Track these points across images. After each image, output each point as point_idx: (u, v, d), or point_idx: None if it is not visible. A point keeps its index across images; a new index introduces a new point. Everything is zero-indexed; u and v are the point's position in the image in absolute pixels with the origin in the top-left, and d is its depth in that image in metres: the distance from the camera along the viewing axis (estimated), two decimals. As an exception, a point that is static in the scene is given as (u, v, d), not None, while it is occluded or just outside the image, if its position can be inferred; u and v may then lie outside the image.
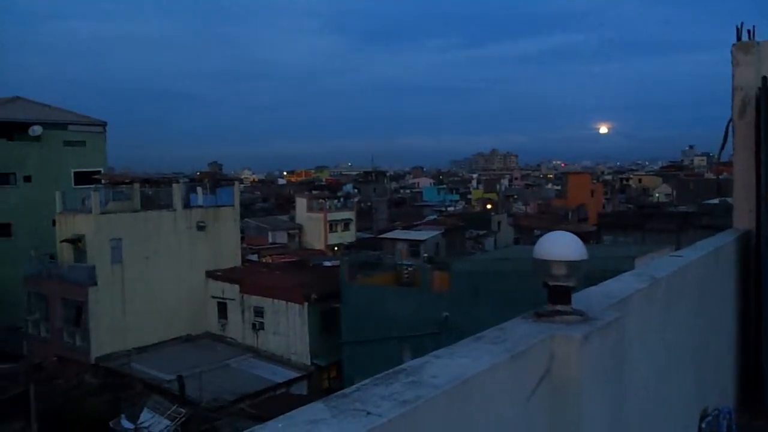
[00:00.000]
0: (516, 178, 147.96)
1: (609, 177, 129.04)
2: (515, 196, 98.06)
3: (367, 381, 2.03)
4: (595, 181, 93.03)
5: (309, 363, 28.00)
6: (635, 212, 60.37)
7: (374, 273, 30.45)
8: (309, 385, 27.21)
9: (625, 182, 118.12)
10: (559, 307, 2.74)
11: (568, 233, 2.85)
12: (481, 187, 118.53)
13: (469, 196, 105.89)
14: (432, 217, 68.73)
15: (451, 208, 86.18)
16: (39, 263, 32.04)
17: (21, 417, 15.53)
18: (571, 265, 2.73)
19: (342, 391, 1.98)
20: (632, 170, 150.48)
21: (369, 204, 79.01)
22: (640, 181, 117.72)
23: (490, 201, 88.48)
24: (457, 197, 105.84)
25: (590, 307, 2.86)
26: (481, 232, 55.56)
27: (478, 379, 2.06)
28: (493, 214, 66.40)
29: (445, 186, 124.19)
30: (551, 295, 2.77)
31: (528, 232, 60.23)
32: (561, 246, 2.77)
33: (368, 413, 1.76)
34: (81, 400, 20.87)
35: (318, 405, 1.88)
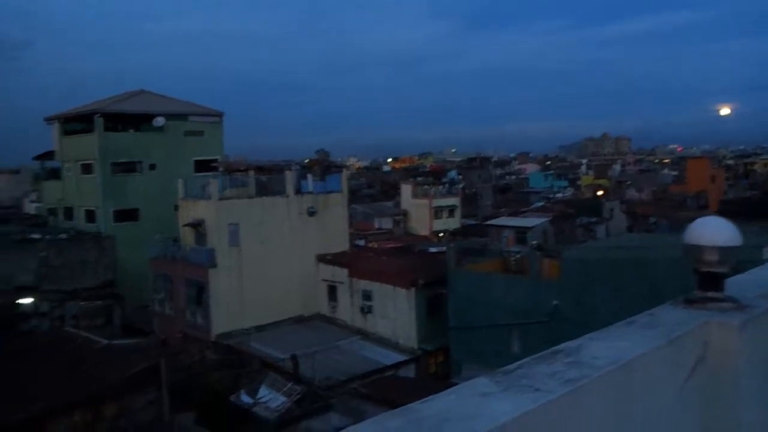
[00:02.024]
0: (629, 163, 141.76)
1: (731, 161, 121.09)
2: (628, 182, 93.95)
3: (527, 359, 2.11)
4: (716, 166, 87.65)
5: (416, 347, 28.33)
6: (761, 198, 56.35)
7: (481, 260, 30.29)
8: (416, 369, 27.56)
9: (749, 167, 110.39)
10: (710, 294, 2.69)
11: (721, 218, 2.78)
12: (591, 172, 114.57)
13: (578, 182, 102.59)
14: (539, 204, 67.25)
15: (559, 195, 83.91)
16: (163, 246, 34.18)
17: (152, 388, 16.78)
18: (724, 251, 2.67)
19: (505, 368, 2.06)
20: (757, 154, 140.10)
21: (474, 190, 78.39)
22: (766, 165, 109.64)
23: (601, 187, 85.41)
24: (565, 183, 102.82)
25: (742, 294, 2.78)
26: (591, 220, 53.77)
27: (638, 362, 2.09)
28: (604, 200, 64.02)
29: (552, 172, 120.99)
30: (702, 281, 2.72)
31: (642, 220, 57.68)
32: (713, 231, 2.71)
33: (537, 389, 1.84)
34: (204, 375, 22.26)
35: (483, 380, 1.97)
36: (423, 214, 61.80)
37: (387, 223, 60.76)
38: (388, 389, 20.07)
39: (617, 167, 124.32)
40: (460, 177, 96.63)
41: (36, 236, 34.84)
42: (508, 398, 1.80)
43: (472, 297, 26.14)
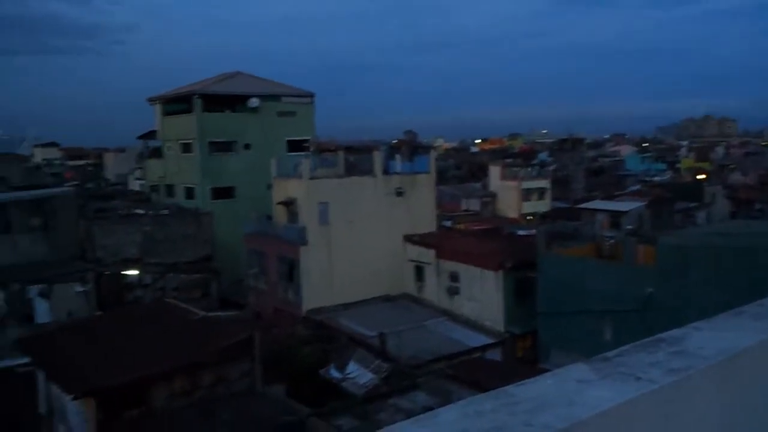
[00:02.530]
0: (734, 146, 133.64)
1: None
2: (732, 166, 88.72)
3: (626, 347, 2.07)
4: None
5: (503, 330, 28.09)
6: None
7: (571, 244, 29.52)
8: (503, 352, 27.36)
9: None
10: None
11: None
12: (692, 155, 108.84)
13: (677, 165, 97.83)
14: (635, 188, 64.62)
15: (656, 178, 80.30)
16: (257, 223, 35.36)
17: (247, 359, 17.51)
18: None
19: (603, 355, 2.03)
20: None
21: (565, 173, 76.31)
22: None
23: (702, 171, 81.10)
24: (663, 166, 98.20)
25: None
26: (691, 205, 51.21)
27: (748, 353, 2.01)
28: (706, 185, 60.79)
29: (650, 154, 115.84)
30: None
31: (747, 206, 54.46)
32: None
33: (638, 378, 1.80)
34: (295, 348, 23.00)
35: (581, 366, 1.95)
36: (512, 196, 60.83)
37: (474, 205, 60.24)
38: (475, 371, 20.06)
39: (720, 150, 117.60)
40: (551, 159, 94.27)
41: (140, 212, 36.86)
42: (607, 386, 1.78)
43: (563, 281, 25.60)
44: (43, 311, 28.73)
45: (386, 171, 34.77)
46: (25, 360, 20.88)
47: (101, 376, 16.05)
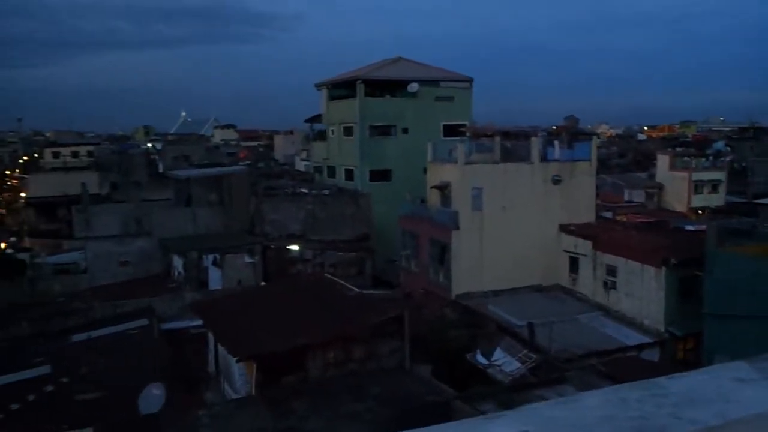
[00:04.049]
0: None
1: None
2: None
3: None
4: None
5: (662, 330, 26.48)
6: None
7: (748, 242, 27.06)
8: (661, 353, 25.83)
9: None
10: None
11: None
12: None
13: None
14: (828, 183, 57.71)
15: None
16: (412, 205, 35.99)
17: (397, 337, 18.04)
18: None
19: (765, 355, 1.94)
20: None
21: (744, 164, 69.86)
22: None
23: None
24: None
25: None
26: None
27: None
28: None
29: None
30: None
31: None
32: None
33: None
34: (442, 331, 23.30)
35: (741, 364, 1.88)
36: (681, 188, 56.74)
37: (638, 196, 56.98)
38: (629, 370, 19.15)
39: None
40: (728, 149, 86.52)
41: (304, 191, 39.01)
42: (769, 388, 1.70)
43: (735, 282, 23.55)
44: (215, 279, 31.45)
45: (544, 158, 33.83)
46: (198, 322, 23.06)
47: (263, 342, 17.33)
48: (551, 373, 18.72)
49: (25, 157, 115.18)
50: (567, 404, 1.59)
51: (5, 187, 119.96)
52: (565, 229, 32.46)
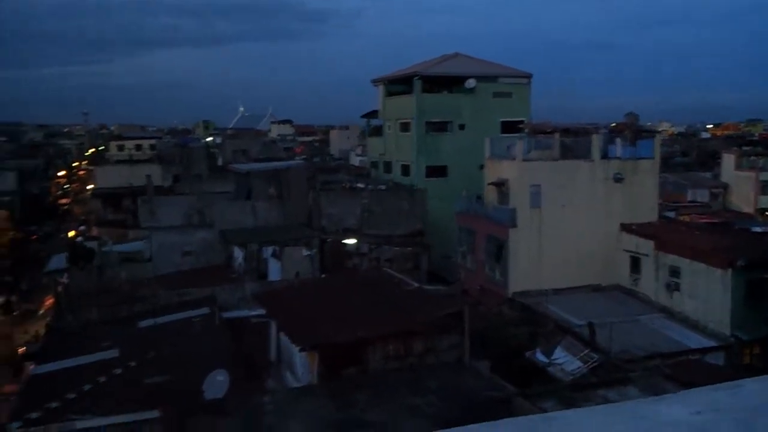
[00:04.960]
0: None
1: None
2: None
3: None
4: None
5: (728, 334, 25.71)
6: None
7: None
8: (726, 357, 25.10)
9: None
10: None
11: None
12: None
13: None
14: None
15: None
16: (468, 202, 35.88)
17: (456, 332, 18.09)
18: None
19: None
20: None
21: (816, 164, 66.80)
22: None
23: None
24: None
25: None
26: None
27: None
28: None
29: None
30: None
31: None
32: None
33: None
34: (501, 328, 23.22)
35: None
36: (747, 188, 54.87)
37: (702, 196, 55.33)
38: (693, 373, 18.74)
39: None
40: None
41: (360, 185, 39.36)
42: None
43: (807, 287, 22.72)
44: (275, 270, 32.07)
45: (605, 155, 33.24)
46: (259, 312, 23.59)
47: (325, 333, 17.64)
48: (613, 374, 18.46)
49: (91, 150, 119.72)
50: (731, 389, 1.65)
51: (73, 178, 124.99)
52: (626, 228, 31.83)
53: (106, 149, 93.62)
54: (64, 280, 35.44)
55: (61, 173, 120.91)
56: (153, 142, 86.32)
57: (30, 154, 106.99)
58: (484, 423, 1.62)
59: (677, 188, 55.38)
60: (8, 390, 30.76)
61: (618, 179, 32.71)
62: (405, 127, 45.88)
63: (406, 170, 45.21)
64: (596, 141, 33.21)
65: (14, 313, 54.75)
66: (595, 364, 19.89)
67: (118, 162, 69.63)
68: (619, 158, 33.27)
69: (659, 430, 1.48)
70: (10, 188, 75.58)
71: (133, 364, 21.56)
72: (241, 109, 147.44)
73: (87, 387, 20.00)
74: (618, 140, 34.84)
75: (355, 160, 69.45)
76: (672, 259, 28.71)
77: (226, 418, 15.15)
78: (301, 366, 18.08)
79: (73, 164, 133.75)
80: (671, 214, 40.66)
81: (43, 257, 54.61)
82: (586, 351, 20.61)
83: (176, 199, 38.93)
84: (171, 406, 16.62)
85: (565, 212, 31.67)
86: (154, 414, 17.22)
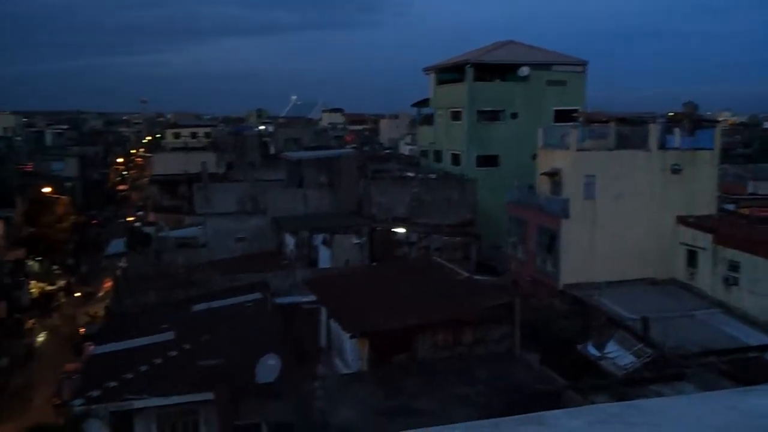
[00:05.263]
0: None
1: None
2: None
3: None
4: None
5: (790, 332, 24.80)
6: None
7: None
8: (788, 356, 24.20)
9: None
10: None
11: None
12: None
13: None
14: None
15: None
16: (520, 192, 35.45)
17: (506, 323, 17.99)
18: None
19: None
20: None
21: None
22: None
23: None
24: None
25: None
26: None
27: None
28: None
29: None
30: None
31: None
32: None
33: None
34: (552, 320, 22.96)
35: None
36: (814, 181, 52.56)
37: (764, 189, 53.25)
38: (752, 371, 18.17)
39: None
40: None
41: (410, 174, 39.35)
42: None
43: None
44: (325, 257, 32.44)
45: (662, 145, 32.33)
46: (310, 298, 23.93)
47: (375, 320, 17.79)
48: (667, 370, 18.07)
49: (148, 138, 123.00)
50: None
51: (131, 165, 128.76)
52: (683, 220, 30.96)
53: (163, 137, 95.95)
54: (123, 264, 36.66)
55: (120, 160, 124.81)
56: (208, 130, 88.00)
57: (91, 141, 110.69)
58: (564, 409, 1.63)
59: (738, 180, 53.51)
60: (70, 368, 32.05)
61: (675, 170, 31.80)
62: (456, 115, 45.56)
63: (456, 159, 44.94)
64: (653, 131, 32.34)
65: (75, 295, 56.99)
66: (648, 359, 19.49)
67: (174, 149, 71.28)
68: (677, 149, 32.33)
69: (748, 421, 1.47)
70: (73, 174, 78.39)
71: (187, 346, 22.19)
72: (294, 97, 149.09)
73: (143, 368, 20.68)
74: (676, 130, 33.86)
75: (405, 149, 69.39)
76: (731, 253, 27.79)
77: (278, 402, 15.46)
78: (351, 352, 18.29)
79: (131, 151, 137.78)
80: (731, 207, 39.34)
81: (103, 241, 56.61)
82: (640, 345, 20.21)
83: (230, 186, 39.70)
84: (224, 388, 17.06)
85: (620, 203, 30.99)
86: (208, 396, 17.72)
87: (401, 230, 34.88)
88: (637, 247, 30.59)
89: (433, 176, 39.56)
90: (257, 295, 27.11)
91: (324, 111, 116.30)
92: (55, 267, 61.29)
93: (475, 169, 42.51)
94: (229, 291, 28.45)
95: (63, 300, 56.12)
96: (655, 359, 19.55)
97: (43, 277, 57.65)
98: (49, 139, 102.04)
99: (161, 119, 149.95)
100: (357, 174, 38.34)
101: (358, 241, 32.18)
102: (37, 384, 37.34)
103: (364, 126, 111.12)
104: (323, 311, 21.39)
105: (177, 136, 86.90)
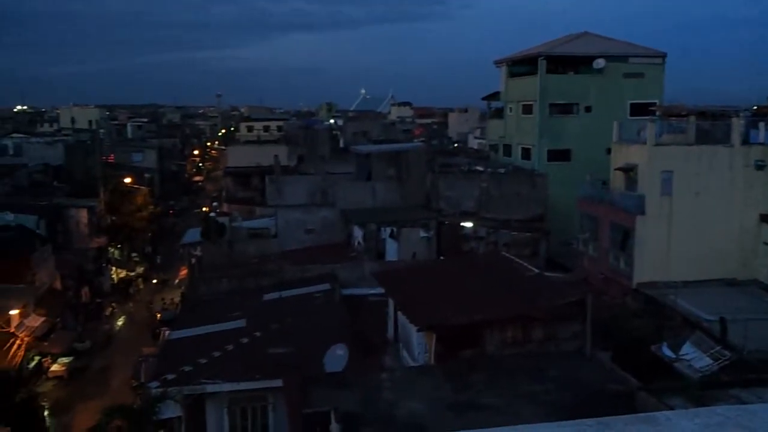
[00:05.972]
0: None
1: None
2: None
3: None
4: None
5: None
6: None
7: None
8: None
9: None
10: None
11: None
12: None
13: None
14: None
15: None
16: (592, 187, 34.59)
17: (578, 321, 17.65)
18: None
19: None
20: None
21: None
22: None
23: None
24: None
25: None
26: None
27: None
28: None
29: None
30: None
31: None
32: None
33: None
34: (624, 319, 22.35)
35: None
36: None
37: None
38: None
39: None
40: None
41: (479, 168, 39.02)
42: None
43: None
44: (392, 250, 32.61)
45: (746, 140, 30.90)
46: (377, 291, 24.13)
47: (443, 314, 17.78)
48: (746, 374, 17.30)
49: (223, 131, 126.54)
50: None
51: (206, 157, 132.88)
52: (766, 218, 29.52)
53: (237, 130, 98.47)
54: (198, 252, 37.95)
55: (196, 152, 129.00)
56: (280, 123, 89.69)
57: (168, 134, 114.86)
58: (677, 410, 1.62)
59: (829, 177, 50.46)
60: (147, 352, 33.47)
61: (760, 166, 30.34)
62: (527, 109, 44.83)
63: (527, 153, 44.26)
64: (736, 125, 30.95)
65: (152, 282, 59.40)
66: (726, 362, 18.71)
67: (248, 142, 73.08)
68: (762, 144, 30.85)
69: None
70: (152, 165, 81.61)
71: (258, 334, 22.80)
72: (363, 91, 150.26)
73: (216, 353, 21.39)
74: (761, 124, 32.30)
75: (474, 143, 68.80)
76: (821, 254, 26.32)
77: (346, 391, 15.69)
78: (418, 345, 18.35)
79: (207, 144, 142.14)
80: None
81: (179, 231, 58.75)
82: (717, 348, 19.41)
83: (301, 179, 40.40)
84: (293, 376, 17.45)
85: (699, 201, 29.83)
86: (278, 383, 18.16)
87: (469, 225, 34.65)
88: (717, 246, 29.39)
89: (503, 170, 39.09)
90: (326, 286, 27.56)
91: (392, 105, 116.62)
92: (134, 254, 64.07)
93: (545, 163, 41.76)
94: (298, 281, 29.02)
95: (141, 286, 58.60)
96: (734, 363, 18.75)
97: (123, 264, 60.36)
98: (129, 131, 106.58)
99: (235, 113, 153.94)
100: (425, 168, 38.31)
101: (425, 234, 32.17)
102: (115, 366, 39.19)
103: (433, 120, 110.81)
104: (390, 304, 21.53)
105: (250, 129, 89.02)
